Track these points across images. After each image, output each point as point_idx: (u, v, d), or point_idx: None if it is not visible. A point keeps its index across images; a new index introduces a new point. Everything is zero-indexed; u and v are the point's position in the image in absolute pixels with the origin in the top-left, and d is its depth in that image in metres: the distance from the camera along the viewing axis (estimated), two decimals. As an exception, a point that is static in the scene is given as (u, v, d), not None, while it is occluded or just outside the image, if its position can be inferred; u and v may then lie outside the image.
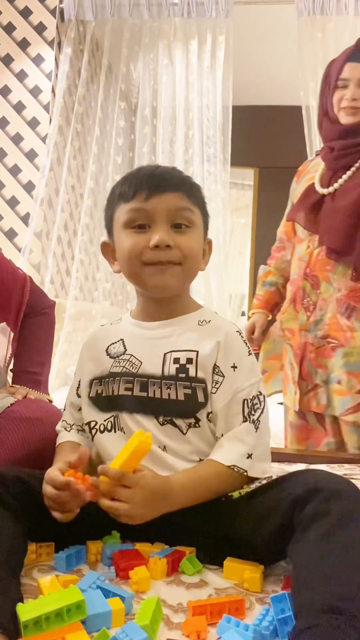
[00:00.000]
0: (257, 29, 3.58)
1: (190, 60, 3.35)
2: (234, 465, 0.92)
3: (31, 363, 1.39)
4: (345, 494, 0.78)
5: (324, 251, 1.67)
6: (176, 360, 0.98)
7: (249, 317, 1.99)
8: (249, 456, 0.94)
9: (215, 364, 0.98)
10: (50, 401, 1.35)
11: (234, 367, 0.98)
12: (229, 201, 3.55)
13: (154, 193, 0.96)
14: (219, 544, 0.90)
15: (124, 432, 0.99)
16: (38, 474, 0.92)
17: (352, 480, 1.40)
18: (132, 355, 1.02)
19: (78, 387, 1.09)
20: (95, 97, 3.51)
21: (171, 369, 0.98)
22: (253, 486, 0.93)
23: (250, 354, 1.02)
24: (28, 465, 1.06)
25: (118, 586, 0.82)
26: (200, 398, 0.97)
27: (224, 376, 0.98)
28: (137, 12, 3.37)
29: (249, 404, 0.97)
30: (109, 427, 1.01)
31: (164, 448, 0.96)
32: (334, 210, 1.66)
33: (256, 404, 0.98)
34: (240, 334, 1.03)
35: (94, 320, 3.39)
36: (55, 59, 3.41)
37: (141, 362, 1.00)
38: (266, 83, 4.25)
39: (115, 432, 1.00)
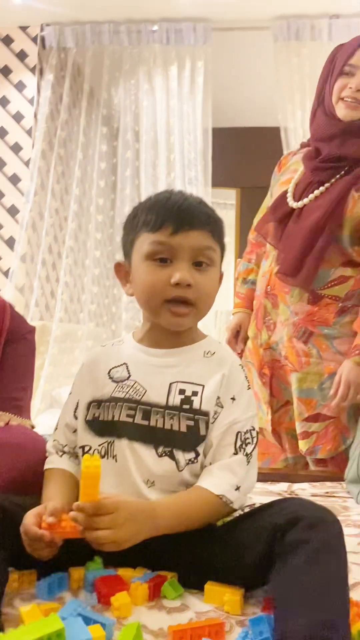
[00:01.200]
0: (235, 53, 3.67)
1: (170, 86, 3.42)
2: (223, 495, 0.91)
3: (12, 389, 1.39)
4: (325, 522, 0.79)
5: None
6: (182, 391, 0.98)
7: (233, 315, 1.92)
8: (237, 488, 0.93)
9: (217, 396, 0.98)
10: (33, 427, 1.36)
11: (233, 399, 0.99)
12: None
13: (181, 229, 0.95)
14: (201, 569, 0.90)
15: (116, 460, 0.97)
16: (20, 502, 0.92)
17: (334, 498, 1.43)
18: (136, 381, 1.01)
19: (76, 409, 1.06)
20: (77, 122, 3.56)
21: (176, 399, 0.97)
22: (235, 513, 0.93)
23: (249, 388, 1.03)
24: (10, 491, 1.05)
25: (100, 613, 0.82)
26: (202, 431, 0.96)
27: (222, 407, 0.98)
28: (117, 39, 3.45)
29: (242, 437, 0.97)
30: (102, 453, 0.99)
31: (152, 483, 0.95)
32: (295, 228, 1.60)
33: (248, 438, 0.98)
34: (242, 367, 1.04)
35: (80, 342, 3.40)
36: (37, 85, 3.47)
37: (145, 390, 0.99)
38: (246, 105, 4.34)
39: (107, 458, 0.99)
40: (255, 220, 1.84)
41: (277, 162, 1.84)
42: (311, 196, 1.59)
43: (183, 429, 0.96)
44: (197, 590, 0.91)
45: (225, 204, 5.27)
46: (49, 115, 3.43)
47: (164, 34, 3.40)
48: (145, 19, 3.43)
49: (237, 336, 1.87)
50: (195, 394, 0.98)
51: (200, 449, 0.96)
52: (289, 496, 1.25)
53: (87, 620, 0.77)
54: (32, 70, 3.48)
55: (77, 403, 1.07)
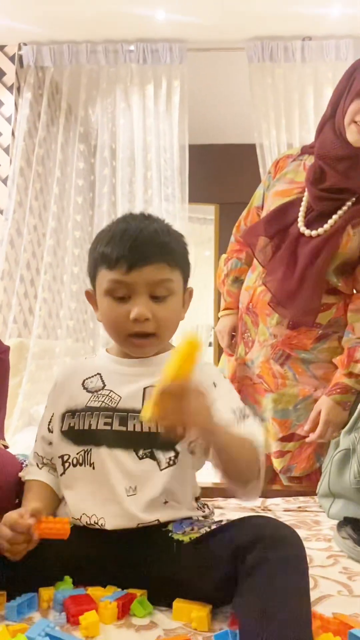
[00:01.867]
0: (211, 73, 3.75)
1: (147, 104, 3.48)
2: (259, 447, 0.93)
3: (-14, 409, 1.40)
4: (285, 541, 0.80)
5: (266, 292, 1.59)
6: None
7: (219, 318, 1.86)
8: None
9: None
10: (6, 447, 1.36)
11: (215, 384, 1.02)
12: (190, 238, 3.64)
13: (135, 266, 0.96)
14: (170, 586, 0.91)
15: (94, 468, 0.99)
16: None
17: (306, 513, 1.45)
18: (111, 390, 1.03)
19: (50, 422, 1.08)
20: (55, 140, 3.59)
21: None
22: (202, 530, 0.95)
23: (225, 378, 1.06)
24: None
25: (68, 632, 0.83)
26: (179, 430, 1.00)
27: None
28: (95, 58, 3.50)
29: (239, 414, 0.98)
30: (80, 461, 1.01)
31: (134, 490, 0.96)
32: (292, 256, 1.54)
33: (244, 414, 0.99)
34: (212, 364, 1.08)
35: (58, 358, 3.39)
36: (15, 103, 3.49)
37: (120, 397, 1.02)
38: (222, 123, 4.42)
39: (84, 466, 1.00)
40: (242, 218, 1.79)
41: (274, 162, 1.74)
42: (320, 230, 1.53)
43: (161, 430, 0.97)
44: (166, 607, 0.92)
45: (205, 219, 5.33)
46: (27, 133, 3.45)
47: (140, 53, 3.45)
48: (122, 39, 3.49)
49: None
50: None
51: (179, 447, 0.98)
52: (255, 514, 1.26)
53: (55, 641, 0.78)
54: (10, 88, 3.50)
55: (52, 416, 1.09)
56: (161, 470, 0.97)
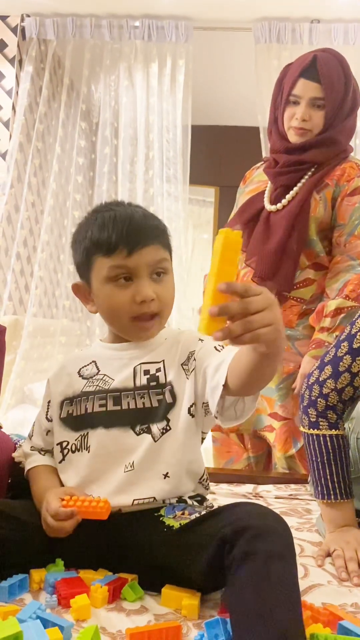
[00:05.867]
0: (216, 53, 3.68)
1: (151, 83, 3.42)
2: None
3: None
4: (272, 531, 0.80)
5: (250, 272, 1.68)
6: (146, 372, 1.03)
7: None
8: None
9: (181, 363, 1.03)
10: (0, 426, 1.35)
11: (201, 339, 1.05)
12: (189, 220, 3.62)
13: (135, 249, 0.98)
14: (160, 572, 0.92)
15: (89, 451, 1.01)
16: None
17: (297, 500, 1.45)
18: (105, 374, 1.06)
19: (47, 411, 1.12)
20: (56, 115, 3.53)
21: (142, 379, 1.03)
22: (193, 516, 0.95)
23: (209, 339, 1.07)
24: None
25: (59, 615, 0.83)
26: (169, 399, 1.01)
27: (195, 359, 1.02)
28: (99, 33, 3.43)
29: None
30: (78, 446, 1.04)
31: (132, 465, 0.98)
32: (265, 233, 1.67)
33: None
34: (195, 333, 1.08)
35: (53, 337, 3.38)
36: (16, 77, 3.42)
37: (113, 380, 1.04)
38: (226, 104, 4.36)
39: (81, 451, 1.03)
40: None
41: (244, 175, 1.92)
42: (284, 201, 1.67)
43: (155, 404, 1.01)
44: (157, 592, 0.92)
45: (204, 201, 5.29)
46: (27, 108, 3.39)
47: (145, 30, 3.38)
48: (127, 14, 3.41)
49: None
50: (158, 370, 1.03)
51: (170, 416, 1.01)
52: (246, 500, 1.26)
53: (46, 623, 0.78)
54: (11, 61, 3.43)
55: (48, 405, 1.12)
56: (155, 441, 0.99)
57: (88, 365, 1.09)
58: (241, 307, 0.67)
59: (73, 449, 1.04)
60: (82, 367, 1.10)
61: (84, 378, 1.08)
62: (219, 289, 0.66)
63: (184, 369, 1.04)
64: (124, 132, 3.40)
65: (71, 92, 3.60)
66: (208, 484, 1.08)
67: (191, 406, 1.01)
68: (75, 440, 1.05)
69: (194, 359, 1.03)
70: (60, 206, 3.50)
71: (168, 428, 1.00)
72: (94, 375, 1.07)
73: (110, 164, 3.43)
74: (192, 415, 1.01)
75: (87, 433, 1.03)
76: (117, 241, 0.98)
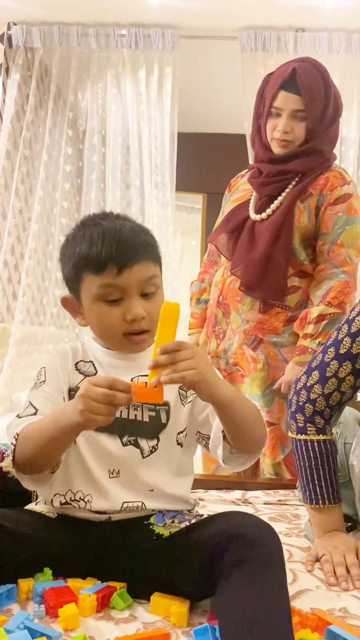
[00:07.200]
0: (203, 61, 3.71)
1: (138, 90, 3.43)
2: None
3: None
4: (262, 540, 0.80)
5: (235, 281, 1.70)
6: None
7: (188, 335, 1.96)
8: None
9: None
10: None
11: None
12: (178, 226, 3.62)
13: (125, 267, 0.96)
14: (149, 580, 0.92)
15: (77, 445, 0.99)
16: None
17: (286, 506, 1.46)
18: None
19: (44, 381, 1.04)
20: (43, 123, 3.53)
21: None
22: (183, 525, 0.95)
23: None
24: None
25: (47, 625, 0.83)
26: (163, 419, 1.01)
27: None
28: (85, 41, 3.44)
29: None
30: None
31: (117, 472, 0.98)
32: (250, 242, 1.69)
33: None
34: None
35: (40, 344, 3.36)
36: (3, 85, 3.42)
37: None
38: (212, 112, 4.38)
39: (73, 444, 1.00)
40: (209, 240, 1.89)
41: (229, 184, 1.93)
42: (268, 210, 1.70)
43: (146, 419, 1.01)
44: (145, 600, 0.92)
45: (192, 208, 5.31)
46: (14, 115, 3.39)
47: (132, 38, 3.40)
48: (114, 22, 3.42)
49: None
50: None
51: (161, 436, 1.01)
52: (234, 507, 1.27)
53: (34, 633, 0.78)
54: (-2, 68, 3.43)
55: (44, 371, 1.05)
56: (144, 457, 0.99)
57: (87, 362, 1.07)
58: (170, 358, 0.83)
59: None
60: (80, 361, 1.07)
61: (80, 373, 1.06)
62: (157, 352, 0.85)
63: (180, 394, 1.04)
64: (112, 140, 3.41)
65: (58, 99, 3.60)
66: (196, 502, 1.08)
67: (180, 432, 1.02)
68: None
69: (193, 392, 1.01)
70: (47, 213, 3.50)
71: (157, 447, 1.00)
72: (91, 376, 1.05)
73: (98, 172, 3.43)
74: (181, 445, 1.02)
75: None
76: (106, 259, 0.95)
